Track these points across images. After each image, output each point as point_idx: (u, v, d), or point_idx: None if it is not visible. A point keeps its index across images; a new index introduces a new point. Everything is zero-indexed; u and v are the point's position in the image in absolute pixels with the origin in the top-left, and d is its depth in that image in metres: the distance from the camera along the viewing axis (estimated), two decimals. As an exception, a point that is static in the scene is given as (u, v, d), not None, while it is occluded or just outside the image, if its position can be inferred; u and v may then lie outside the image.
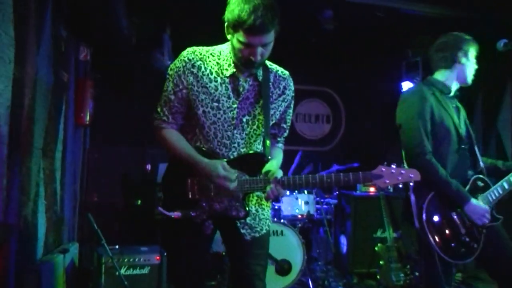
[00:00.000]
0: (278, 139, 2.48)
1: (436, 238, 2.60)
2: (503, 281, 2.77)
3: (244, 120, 2.23)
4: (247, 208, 2.21)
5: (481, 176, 2.77)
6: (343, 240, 5.51)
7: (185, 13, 4.67)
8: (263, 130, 2.28)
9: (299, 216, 4.95)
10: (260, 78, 2.25)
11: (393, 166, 2.23)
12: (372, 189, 5.47)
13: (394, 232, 4.86)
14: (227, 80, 2.20)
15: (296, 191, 5.06)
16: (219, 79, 2.19)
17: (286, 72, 2.39)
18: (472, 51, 2.87)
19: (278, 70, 2.35)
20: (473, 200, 2.63)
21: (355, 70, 6.23)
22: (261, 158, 2.21)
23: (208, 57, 2.21)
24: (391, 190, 5.36)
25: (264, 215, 2.35)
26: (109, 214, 5.03)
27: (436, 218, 2.63)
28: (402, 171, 2.23)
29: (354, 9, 4.62)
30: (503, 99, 5.57)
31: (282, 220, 4.73)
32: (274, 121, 2.36)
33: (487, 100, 5.78)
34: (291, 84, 2.38)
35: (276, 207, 5.05)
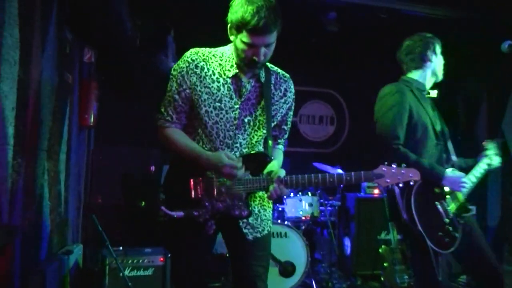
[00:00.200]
0: (279, 140, 2.51)
1: (424, 227, 2.68)
2: (475, 275, 2.94)
3: (246, 120, 2.26)
4: (250, 208, 2.24)
5: (453, 169, 2.89)
6: (347, 242, 5.50)
7: (189, 14, 4.68)
8: (264, 131, 2.31)
9: (303, 218, 4.95)
10: (262, 79, 2.28)
11: (394, 166, 2.28)
12: (376, 191, 5.46)
13: (398, 234, 4.84)
14: (229, 80, 2.23)
15: (300, 193, 5.06)
16: (221, 80, 2.23)
17: (287, 75, 2.43)
18: (438, 48, 3.05)
19: (279, 72, 2.39)
20: (448, 171, 2.76)
21: (358, 71, 6.22)
22: (264, 158, 2.25)
23: (211, 58, 2.25)
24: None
25: (266, 216, 2.37)
26: (113, 215, 5.03)
27: (422, 208, 2.71)
28: (402, 171, 2.29)
29: (356, 11, 4.62)
30: (508, 101, 5.54)
31: (286, 222, 4.73)
32: (275, 123, 2.38)
33: (492, 101, 5.76)
34: (292, 86, 2.42)
35: (280, 208, 5.05)
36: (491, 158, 3.01)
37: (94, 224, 3.59)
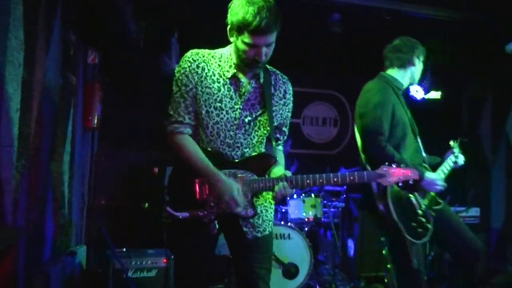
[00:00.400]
0: (279, 142, 2.52)
1: (399, 218, 2.82)
2: (459, 259, 3.15)
3: (246, 120, 2.29)
4: (255, 208, 2.26)
5: (424, 164, 3.06)
6: (351, 243, 5.49)
7: (193, 16, 4.68)
8: (265, 131, 2.35)
9: (306, 220, 4.94)
10: (262, 80, 2.31)
11: (394, 166, 2.37)
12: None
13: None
14: (228, 81, 2.26)
15: (303, 195, 5.06)
16: (221, 81, 2.26)
17: (286, 76, 2.46)
18: (422, 57, 3.23)
19: (278, 74, 2.43)
20: (427, 173, 2.92)
21: (362, 73, 6.19)
22: (269, 159, 2.29)
23: (210, 59, 2.28)
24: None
25: (267, 216, 2.40)
26: (117, 217, 5.04)
27: (397, 200, 2.86)
28: (402, 171, 2.39)
29: (361, 12, 4.62)
30: (512, 102, 5.54)
31: (289, 224, 4.72)
32: (275, 124, 2.40)
33: (496, 102, 5.75)
34: (291, 88, 2.46)
35: (283, 210, 5.05)
36: (458, 156, 3.22)
37: (97, 226, 3.60)
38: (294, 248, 4.52)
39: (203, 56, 2.27)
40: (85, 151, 4.78)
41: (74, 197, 4.28)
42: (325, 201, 5.15)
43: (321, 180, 2.23)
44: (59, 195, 3.77)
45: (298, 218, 4.93)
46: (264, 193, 2.37)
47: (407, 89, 5.56)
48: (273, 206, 2.46)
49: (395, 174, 2.36)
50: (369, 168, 2.91)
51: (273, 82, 2.36)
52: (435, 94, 5.59)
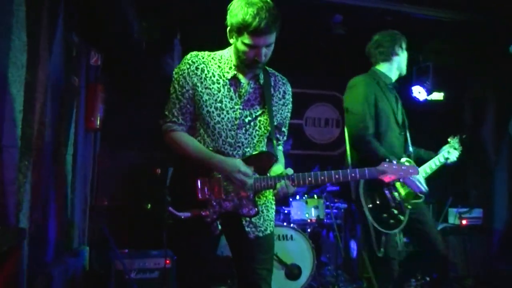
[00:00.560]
0: (279, 142, 2.54)
1: (370, 208, 3.01)
2: (425, 253, 3.23)
3: (247, 120, 2.31)
4: (257, 206, 2.27)
5: (408, 159, 3.13)
6: (353, 244, 5.48)
7: (195, 17, 4.68)
8: (265, 131, 2.37)
9: (309, 221, 4.94)
10: (261, 81, 2.35)
11: (394, 162, 2.43)
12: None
13: (404, 237, 4.82)
14: (228, 82, 2.29)
15: (305, 196, 5.06)
16: (221, 81, 2.28)
17: (285, 78, 2.49)
18: (404, 44, 3.33)
19: (277, 75, 2.46)
20: None
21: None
22: (270, 157, 2.32)
23: (210, 61, 2.31)
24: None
25: (269, 216, 2.41)
26: (119, 218, 5.04)
27: (370, 192, 3.03)
28: (403, 167, 2.45)
29: (363, 14, 4.62)
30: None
31: (292, 225, 4.72)
32: (275, 123, 2.42)
33: (499, 103, 5.73)
34: (290, 89, 2.48)
35: (285, 211, 5.05)
36: (450, 152, 3.32)
37: (100, 226, 3.60)
38: (296, 249, 4.51)
39: (203, 58, 2.31)
40: (87, 152, 4.78)
41: (77, 198, 4.29)
42: (327, 202, 5.14)
43: (322, 178, 2.25)
44: (62, 196, 3.77)
45: (301, 219, 4.93)
46: (266, 193, 2.39)
47: (410, 91, 5.61)
48: (274, 206, 2.48)
49: (397, 170, 2.40)
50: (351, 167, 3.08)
51: (272, 83, 2.39)
52: (437, 95, 5.58)
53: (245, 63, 2.22)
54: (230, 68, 2.29)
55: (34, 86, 2.90)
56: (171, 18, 4.75)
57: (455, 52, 5.34)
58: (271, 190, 2.35)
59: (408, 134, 3.28)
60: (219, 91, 2.27)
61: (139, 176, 5.39)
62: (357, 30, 4.84)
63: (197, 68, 2.27)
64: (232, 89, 2.29)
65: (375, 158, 2.79)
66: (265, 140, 2.42)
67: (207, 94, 2.26)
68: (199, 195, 2.23)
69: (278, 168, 2.28)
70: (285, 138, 2.55)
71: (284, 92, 2.44)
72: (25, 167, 2.81)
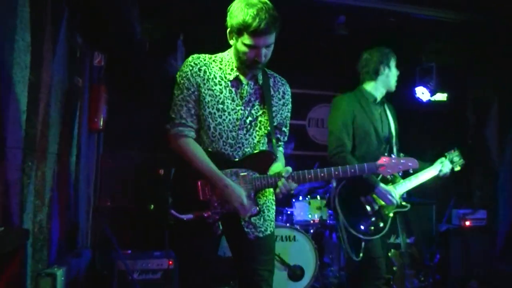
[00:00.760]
0: (279, 142, 2.55)
1: (346, 216, 3.13)
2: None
3: (248, 121, 2.33)
4: (258, 205, 2.29)
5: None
6: (356, 245, 5.46)
7: (199, 18, 4.69)
8: (265, 131, 2.39)
9: (312, 221, 4.93)
10: (261, 82, 2.37)
11: (393, 156, 2.52)
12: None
13: (408, 238, 4.81)
14: (230, 84, 2.31)
15: (308, 196, 5.05)
16: (223, 83, 2.31)
17: (284, 79, 2.52)
18: (393, 62, 3.38)
19: (277, 76, 2.49)
20: (381, 185, 3.10)
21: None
22: (270, 156, 2.34)
23: (211, 63, 2.34)
24: (405, 195, 5.32)
25: (269, 216, 2.42)
26: (122, 219, 5.05)
27: (347, 201, 3.15)
28: (402, 161, 2.54)
29: (366, 15, 4.61)
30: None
31: (294, 225, 4.71)
32: (275, 123, 2.44)
33: (502, 104, 5.71)
34: (289, 90, 2.51)
35: (288, 212, 5.04)
36: (444, 165, 3.34)
37: (103, 227, 3.61)
38: (299, 250, 4.51)
39: (204, 60, 2.33)
40: (91, 153, 4.79)
41: (80, 199, 4.30)
42: (330, 203, 5.14)
43: (322, 174, 2.29)
44: (65, 196, 3.78)
45: (304, 220, 4.92)
46: (266, 193, 2.40)
47: (413, 92, 5.60)
48: (274, 206, 2.49)
49: (395, 164, 2.47)
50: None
51: (272, 84, 2.42)
52: (441, 96, 5.56)
53: (245, 64, 2.24)
54: (232, 69, 2.31)
55: (37, 87, 2.91)
56: (174, 19, 4.75)
57: (456, 52, 5.32)
58: (271, 190, 2.36)
59: (394, 146, 3.30)
60: (221, 93, 2.29)
61: (142, 177, 5.39)
62: (358, 30, 4.84)
63: (199, 70, 2.29)
64: (233, 90, 2.31)
65: None
66: (265, 140, 2.43)
67: (210, 96, 2.28)
68: (201, 195, 2.24)
69: (277, 167, 2.30)
70: (285, 138, 2.56)
71: (284, 93, 2.46)
72: (29, 168, 2.82)
